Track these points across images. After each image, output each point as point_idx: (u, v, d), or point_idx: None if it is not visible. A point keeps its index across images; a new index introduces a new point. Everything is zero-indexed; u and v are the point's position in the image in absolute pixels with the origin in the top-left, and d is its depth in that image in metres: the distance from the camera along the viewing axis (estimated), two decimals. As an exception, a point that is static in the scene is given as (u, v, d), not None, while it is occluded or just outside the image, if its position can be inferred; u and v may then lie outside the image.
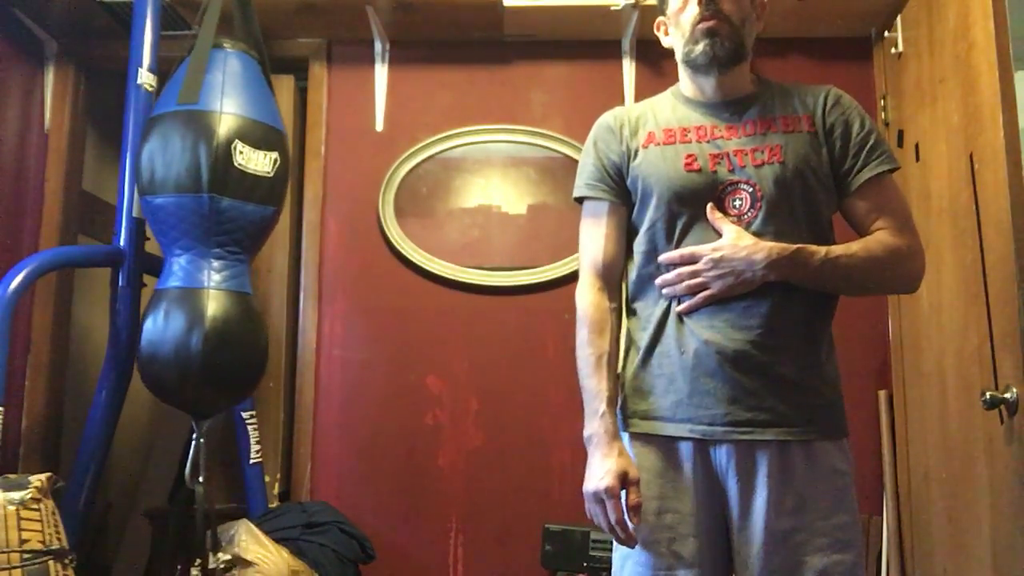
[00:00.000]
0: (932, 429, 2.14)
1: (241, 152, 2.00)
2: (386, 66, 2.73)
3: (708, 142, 1.38)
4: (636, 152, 1.42)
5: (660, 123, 1.42)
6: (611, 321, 1.41)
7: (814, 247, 1.30)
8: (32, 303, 2.61)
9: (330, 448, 2.57)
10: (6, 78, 2.55)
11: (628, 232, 1.45)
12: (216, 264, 2.01)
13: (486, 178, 2.69)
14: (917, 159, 2.23)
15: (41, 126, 2.71)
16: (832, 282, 1.32)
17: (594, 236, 1.45)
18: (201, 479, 2.04)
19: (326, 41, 2.75)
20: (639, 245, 1.41)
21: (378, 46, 2.73)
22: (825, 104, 1.39)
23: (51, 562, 1.73)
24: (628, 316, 1.46)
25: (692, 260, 1.32)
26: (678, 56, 1.44)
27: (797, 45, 2.66)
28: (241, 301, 2.03)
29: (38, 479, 1.81)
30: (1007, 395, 1.61)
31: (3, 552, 1.68)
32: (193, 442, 2.05)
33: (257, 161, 2.03)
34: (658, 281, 1.36)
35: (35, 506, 1.76)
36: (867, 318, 2.46)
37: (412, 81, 2.73)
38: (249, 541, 2.09)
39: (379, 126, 2.71)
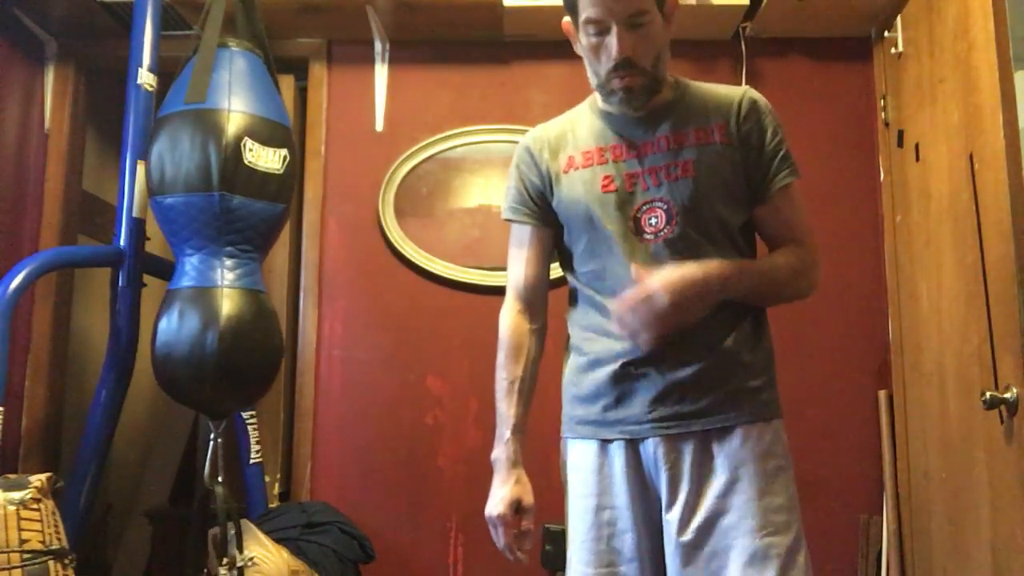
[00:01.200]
0: (932, 429, 2.14)
1: (251, 149, 2.00)
2: (386, 66, 2.73)
3: (624, 161, 1.39)
4: (557, 177, 1.44)
5: (579, 145, 1.44)
6: (528, 345, 1.48)
7: (714, 271, 1.31)
8: (32, 303, 2.61)
9: (330, 448, 2.57)
10: (6, 78, 2.55)
11: (560, 250, 1.49)
12: (229, 263, 2.01)
13: (486, 178, 2.69)
14: (917, 159, 2.23)
15: (41, 126, 2.71)
16: (751, 296, 1.36)
17: (517, 259, 1.50)
18: (220, 479, 2.04)
19: (326, 41, 2.75)
20: (578, 266, 1.45)
21: (378, 46, 2.73)
22: (739, 112, 1.39)
23: (51, 562, 1.73)
24: (568, 324, 1.49)
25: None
26: (591, 81, 1.43)
27: (797, 45, 2.66)
28: (255, 299, 2.02)
29: (38, 479, 1.81)
30: (1007, 395, 1.61)
31: (3, 552, 1.68)
32: (211, 442, 2.05)
33: (267, 158, 2.03)
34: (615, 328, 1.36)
35: (35, 506, 1.76)
36: (867, 318, 2.46)
37: (412, 81, 2.73)
38: (249, 541, 2.09)
39: (379, 126, 2.71)
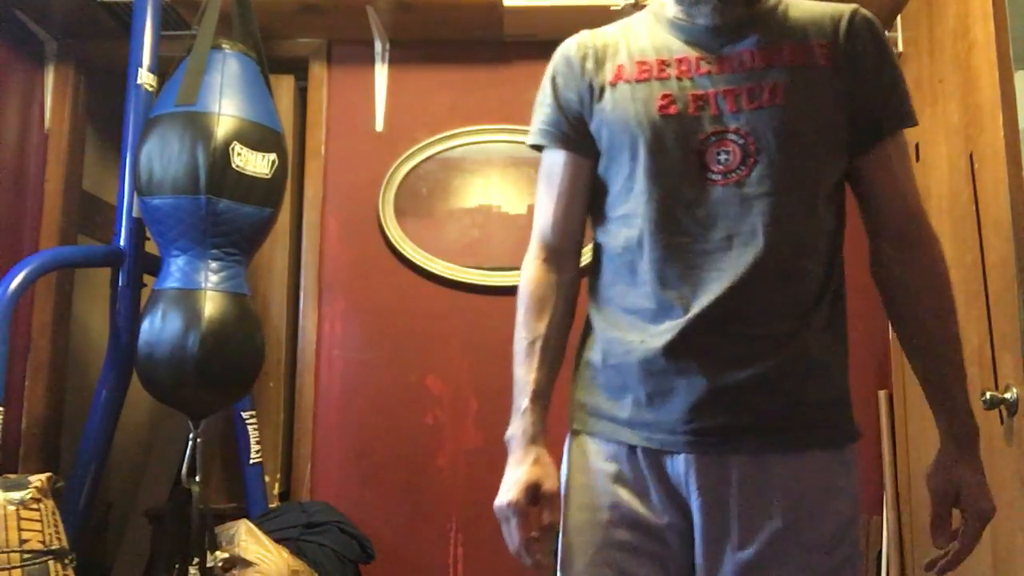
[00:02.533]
0: (932, 429, 2.13)
1: (239, 154, 2.00)
2: (386, 66, 2.73)
3: (691, 79, 1.10)
4: (602, 91, 1.15)
5: (633, 53, 1.14)
6: (555, 299, 1.18)
7: (974, 448, 1.11)
8: (32, 303, 2.61)
9: (330, 448, 2.57)
10: (6, 78, 2.55)
11: (597, 190, 1.19)
12: (214, 265, 2.01)
13: (486, 178, 2.69)
14: (917, 159, 2.23)
15: (41, 126, 2.71)
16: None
17: (545, 196, 1.22)
18: (198, 478, 2.04)
19: (326, 41, 2.75)
20: (609, 210, 1.16)
21: (378, 46, 2.73)
22: (850, 30, 1.10)
23: (51, 562, 1.73)
24: (591, 297, 1.22)
25: None
26: None
27: (797, 45, 2.66)
28: (238, 302, 2.03)
29: (38, 479, 1.81)
30: (1007, 395, 1.61)
31: (3, 552, 1.68)
32: (190, 442, 2.06)
33: (255, 163, 2.04)
34: None
35: (35, 506, 1.76)
36: (867, 318, 2.46)
37: (412, 81, 2.73)
38: (249, 541, 2.09)
39: (379, 126, 2.71)
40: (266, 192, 2.07)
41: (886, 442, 2.38)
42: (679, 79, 1.10)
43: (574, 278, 1.23)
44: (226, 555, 2.04)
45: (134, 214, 2.26)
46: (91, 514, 2.23)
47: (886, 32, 2.48)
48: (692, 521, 1.06)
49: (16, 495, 1.75)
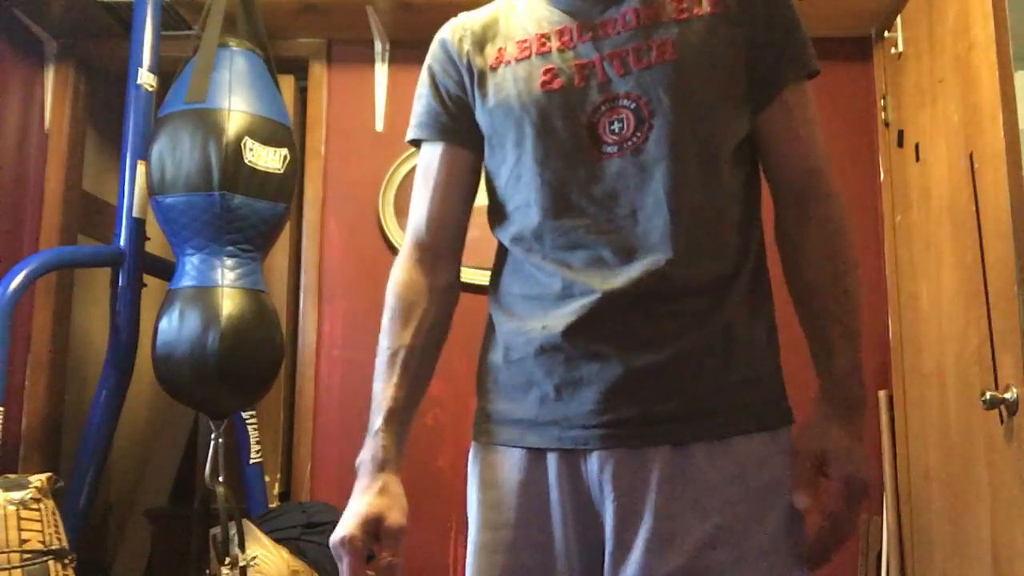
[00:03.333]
0: (932, 429, 2.14)
1: (251, 149, 2.00)
2: (386, 66, 2.73)
3: (573, 48, 1.00)
4: (483, 76, 1.07)
5: (513, 32, 1.06)
6: (426, 305, 1.10)
7: (849, 409, 0.96)
8: (32, 303, 2.61)
9: (330, 448, 2.57)
10: (6, 78, 2.55)
11: (488, 186, 1.11)
12: (229, 262, 2.01)
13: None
14: (917, 159, 2.22)
15: (41, 126, 2.71)
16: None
17: (421, 190, 1.14)
18: (221, 479, 2.04)
19: (326, 41, 2.75)
20: (502, 205, 1.08)
21: (378, 46, 2.73)
22: None
23: (51, 562, 1.73)
24: (491, 294, 1.15)
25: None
26: None
27: (797, 45, 2.66)
28: (256, 299, 2.03)
29: (38, 479, 1.81)
30: (1007, 395, 1.61)
31: (3, 552, 1.68)
32: (212, 442, 2.05)
33: (267, 158, 2.03)
34: None
35: (35, 506, 1.76)
36: (867, 318, 2.45)
37: (412, 81, 2.70)
38: (249, 541, 2.09)
39: (379, 126, 2.71)
40: (279, 187, 2.07)
41: (886, 442, 2.38)
42: (561, 51, 1.01)
43: (451, 284, 1.16)
44: (255, 554, 2.04)
45: (134, 214, 2.26)
46: (91, 514, 2.23)
47: (885, 32, 2.50)
48: (602, 526, 0.94)
49: (16, 495, 1.74)
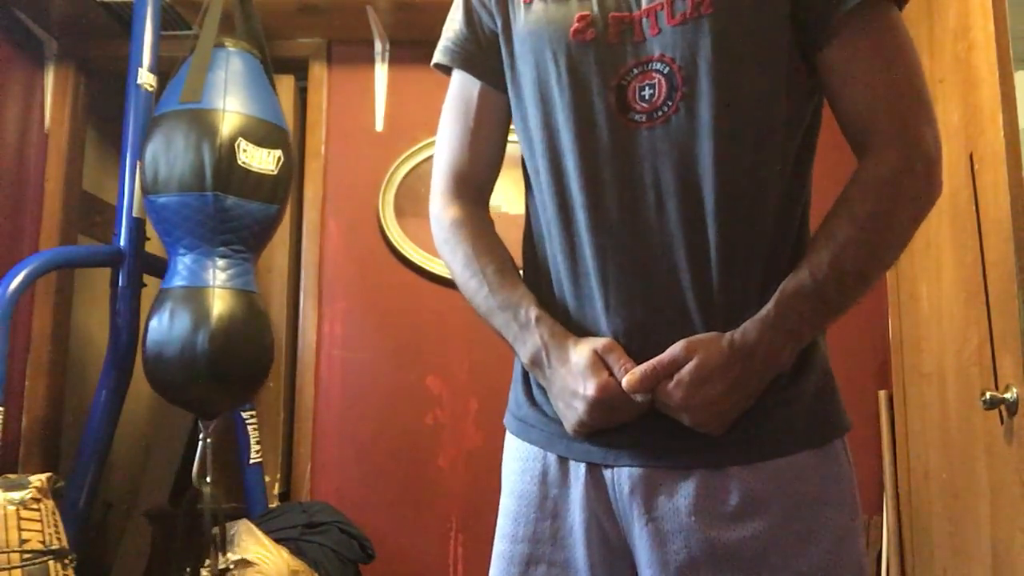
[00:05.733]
0: (932, 429, 2.14)
1: (245, 150, 2.00)
2: (386, 66, 2.73)
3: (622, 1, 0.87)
4: (515, 8, 0.94)
5: None
6: (496, 235, 0.98)
7: (748, 342, 0.80)
8: (32, 303, 2.61)
9: (330, 448, 2.57)
10: (6, 78, 2.55)
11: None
12: (221, 263, 2.01)
13: (486, 178, 2.69)
14: (917, 159, 2.22)
15: (41, 126, 2.71)
16: (833, 315, 0.85)
17: (450, 124, 1.03)
18: (208, 479, 2.04)
19: (326, 41, 2.75)
20: (523, 160, 0.95)
21: (378, 46, 2.73)
22: None
23: (51, 562, 1.73)
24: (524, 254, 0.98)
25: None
26: None
27: (797, 45, 2.66)
28: (246, 300, 2.03)
29: (38, 479, 1.81)
30: (1007, 395, 1.61)
31: (3, 552, 1.67)
32: (200, 442, 2.05)
33: (261, 159, 2.03)
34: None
35: (35, 506, 1.76)
36: (867, 318, 2.46)
37: (412, 81, 2.73)
38: (249, 541, 2.09)
39: (379, 126, 2.71)
40: (272, 188, 2.07)
41: (886, 442, 2.38)
42: None
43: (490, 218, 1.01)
44: (238, 557, 2.04)
45: (134, 214, 2.26)
46: (91, 514, 2.23)
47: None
48: (629, 554, 0.86)
49: (16, 495, 1.74)
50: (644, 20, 0.86)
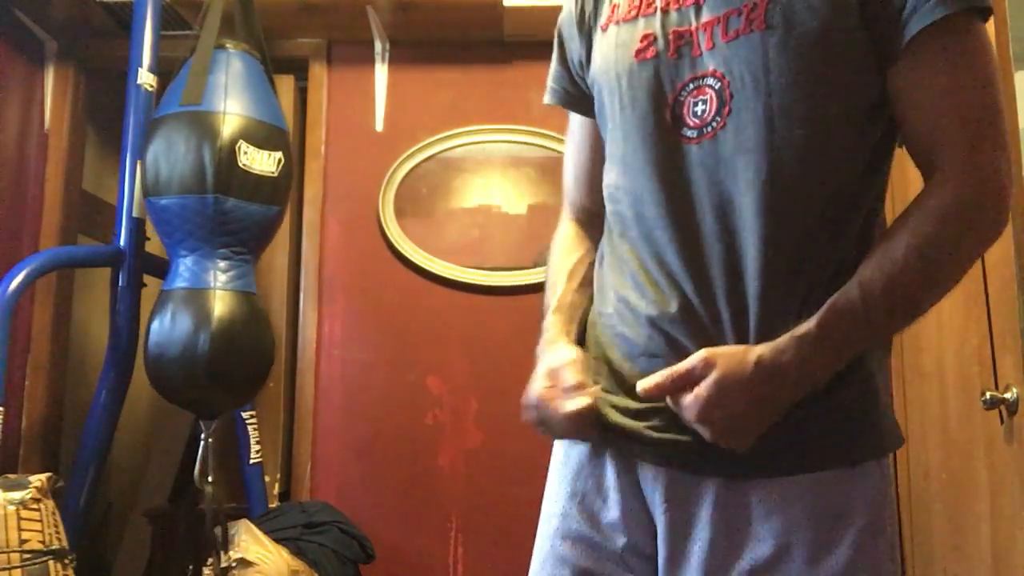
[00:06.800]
0: (932, 429, 2.14)
1: (245, 152, 2.00)
2: (386, 66, 2.73)
3: (678, 10, 0.88)
4: (596, 35, 0.98)
5: None
6: (588, 246, 1.02)
7: (778, 355, 0.78)
8: (32, 303, 2.61)
9: (330, 448, 2.57)
10: (6, 78, 2.55)
11: None
12: (222, 264, 2.01)
13: (486, 178, 2.69)
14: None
15: (41, 126, 2.71)
16: (875, 341, 0.83)
17: (567, 158, 1.09)
18: (210, 479, 2.04)
19: (326, 41, 2.75)
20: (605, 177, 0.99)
21: (378, 46, 2.73)
22: None
23: (51, 562, 1.73)
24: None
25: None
26: None
27: (797, 45, 2.66)
28: (247, 301, 2.03)
29: (38, 479, 1.81)
30: (1007, 395, 1.61)
31: (3, 552, 1.68)
32: (201, 443, 2.06)
33: (261, 161, 2.04)
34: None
35: (35, 506, 1.76)
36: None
37: (412, 81, 2.73)
38: (249, 541, 2.09)
39: (379, 126, 2.71)
40: (273, 190, 2.07)
41: (886, 442, 2.38)
42: (664, 12, 0.89)
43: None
44: (240, 555, 2.04)
45: (134, 214, 2.26)
46: (91, 514, 2.23)
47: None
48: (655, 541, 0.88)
49: (16, 495, 1.75)
50: (701, 34, 0.86)
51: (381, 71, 2.73)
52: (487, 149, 2.69)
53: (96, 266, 2.52)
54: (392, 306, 2.63)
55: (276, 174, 2.07)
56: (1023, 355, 1.59)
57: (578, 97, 1.03)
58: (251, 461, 2.43)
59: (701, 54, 0.85)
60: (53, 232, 2.67)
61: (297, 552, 2.18)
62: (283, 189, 2.12)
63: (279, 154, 2.09)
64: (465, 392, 2.58)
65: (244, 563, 2.06)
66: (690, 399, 0.79)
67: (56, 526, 1.79)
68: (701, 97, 0.85)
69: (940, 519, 2.09)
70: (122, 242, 2.26)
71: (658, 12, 0.89)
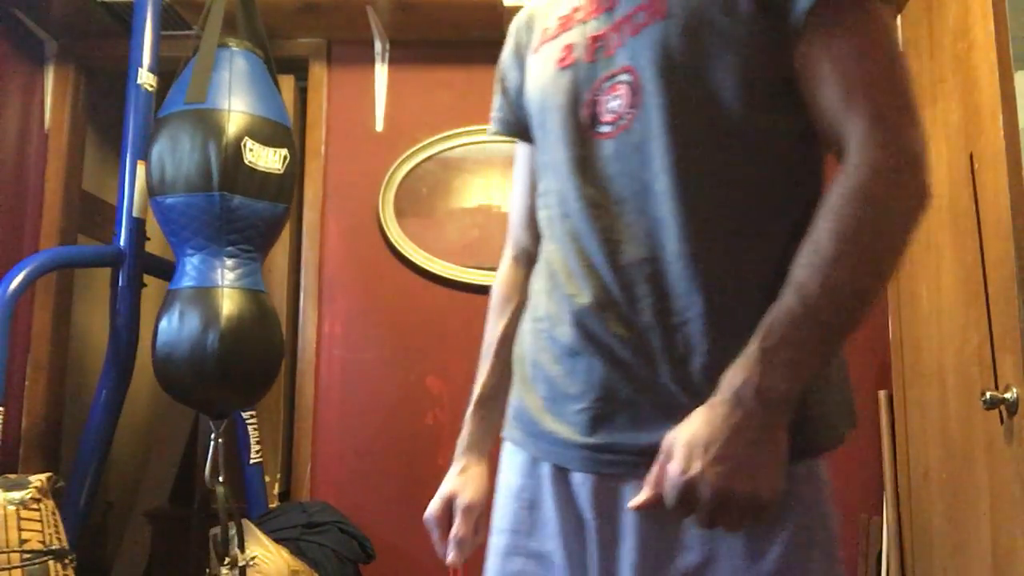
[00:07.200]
0: (932, 429, 2.14)
1: (251, 149, 2.00)
2: (386, 66, 2.73)
3: (595, 18, 0.90)
4: (527, 63, 1.02)
5: (559, 6, 0.97)
6: (519, 297, 1.07)
7: (736, 387, 0.74)
8: (32, 303, 2.61)
9: (330, 448, 2.57)
10: (6, 78, 2.55)
11: None
12: (229, 263, 2.01)
13: (486, 178, 2.69)
14: (917, 159, 2.22)
15: (41, 126, 2.71)
16: (834, 338, 0.78)
17: (512, 193, 1.12)
18: (221, 479, 2.04)
19: (326, 41, 2.75)
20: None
21: (378, 46, 2.73)
22: None
23: (51, 562, 1.73)
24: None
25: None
26: None
27: (797, 45, 2.66)
28: (255, 299, 2.03)
29: (38, 479, 1.81)
30: (1007, 395, 1.61)
31: (3, 552, 1.67)
32: (211, 443, 2.05)
33: (267, 158, 2.04)
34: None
35: (35, 506, 1.76)
36: (867, 318, 2.46)
37: (412, 81, 2.73)
38: (249, 541, 2.09)
39: (379, 126, 2.71)
40: (279, 187, 2.07)
41: (886, 442, 2.38)
42: (583, 22, 0.92)
43: None
44: (255, 554, 2.04)
45: (134, 214, 2.26)
46: (91, 514, 2.23)
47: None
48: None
49: (16, 495, 1.74)
50: (613, 35, 0.88)
51: (381, 71, 2.73)
52: (487, 149, 2.69)
53: (96, 266, 2.52)
54: (392, 306, 2.63)
55: (282, 171, 2.07)
56: (1023, 355, 1.59)
57: (518, 124, 1.06)
58: (251, 461, 2.43)
59: (613, 53, 0.87)
60: (53, 232, 2.67)
61: (297, 552, 2.18)
62: (289, 186, 2.12)
63: (284, 151, 2.09)
64: (465, 392, 2.56)
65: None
66: (667, 481, 0.74)
67: (56, 526, 1.79)
68: (615, 94, 0.86)
69: (940, 519, 2.09)
70: (122, 242, 2.26)
71: (577, 23, 0.92)
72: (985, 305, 1.75)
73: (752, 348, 0.74)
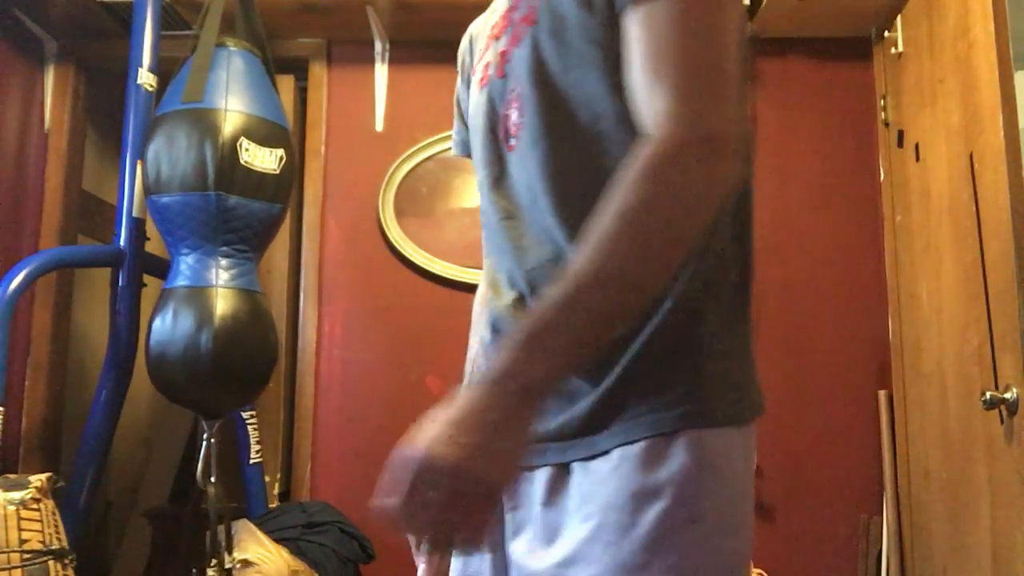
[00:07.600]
0: (932, 429, 2.14)
1: (247, 149, 2.00)
2: (386, 66, 2.73)
3: (505, 32, 0.91)
4: (470, 84, 1.04)
5: (488, 25, 1.00)
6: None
7: (496, 371, 0.71)
8: (32, 303, 2.61)
9: (330, 448, 2.57)
10: (6, 78, 2.55)
11: None
12: (224, 262, 2.01)
13: (486, 178, 2.69)
14: (917, 159, 2.23)
15: (41, 126, 2.71)
16: (606, 330, 0.72)
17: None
18: (213, 479, 2.04)
19: (326, 41, 2.75)
20: None
21: (378, 46, 2.73)
22: None
23: (51, 562, 1.73)
24: None
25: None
26: None
27: (797, 45, 2.66)
28: (250, 299, 2.03)
29: (38, 479, 1.81)
30: (1007, 395, 1.61)
31: (3, 552, 1.68)
32: (204, 443, 2.05)
33: (263, 158, 2.03)
34: None
35: (35, 506, 1.76)
36: (867, 318, 2.46)
37: (412, 81, 2.73)
38: (249, 541, 2.09)
39: (379, 126, 2.71)
40: (275, 188, 2.07)
41: (886, 442, 2.38)
42: (496, 38, 0.92)
43: None
44: (244, 556, 2.04)
45: (134, 214, 2.26)
46: (91, 514, 2.23)
47: (885, 32, 2.50)
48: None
49: (16, 495, 1.75)
50: (512, 48, 0.89)
51: (381, 71, 2.73)
52: (487, 149, 2.69)
53: (96, 266, 2.52)
54: (392, 306, 2.63)
55: (278, 171, 2.07)
56: (1023, 355, 1.59)
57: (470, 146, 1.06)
58: (251, 461, 2.43)
59: (514, 68, 0.88)
60: (53, 232, 2.67)
61: (297, 552, 2.18)
62: (285, 187, 2.12)
63: (281, 151, 2.09)
64: (465, 392, 2.58)
65: (244, 563, 2.06)
66: (409, 452, 0.72)
67: (56, 526, 1.79)
68: (515, 106, 0.87)
69: (940, 519, 2.09)
70: (122, 242, 2.26)
71: (493, 41, 0.93)
72: (985, 305, 1.75)
73: (517, 330, 0.70)
